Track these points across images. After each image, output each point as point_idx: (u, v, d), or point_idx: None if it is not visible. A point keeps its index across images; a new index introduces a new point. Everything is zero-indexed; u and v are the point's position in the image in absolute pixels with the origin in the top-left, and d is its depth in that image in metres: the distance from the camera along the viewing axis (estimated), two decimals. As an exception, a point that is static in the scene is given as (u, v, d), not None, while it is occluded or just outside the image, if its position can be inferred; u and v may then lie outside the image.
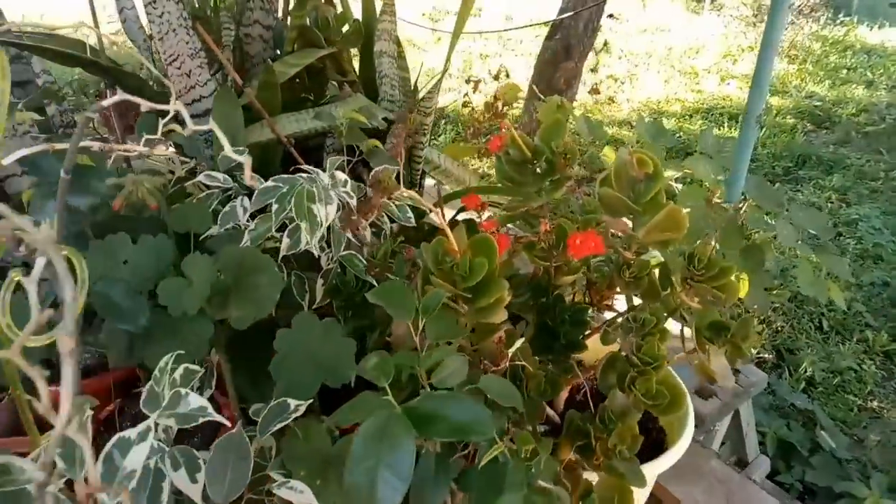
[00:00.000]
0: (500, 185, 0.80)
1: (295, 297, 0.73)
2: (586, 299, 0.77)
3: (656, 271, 0.72)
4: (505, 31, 4.71)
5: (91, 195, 0.64)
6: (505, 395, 0.53)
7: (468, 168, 1.22)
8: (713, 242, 0.66)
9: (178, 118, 1.03)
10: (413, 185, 1.25)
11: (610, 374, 0.61)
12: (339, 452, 0.52)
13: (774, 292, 2.51)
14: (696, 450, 0.94)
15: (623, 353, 0.61)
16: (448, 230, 0.55)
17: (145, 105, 0.41)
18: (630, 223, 0.69)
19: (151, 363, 0.61)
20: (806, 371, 2.31)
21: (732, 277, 0.66)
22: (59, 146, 0.53)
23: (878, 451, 1.91)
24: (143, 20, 1.03)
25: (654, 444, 0.79)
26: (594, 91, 1.14)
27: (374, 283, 0.67)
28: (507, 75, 0.67)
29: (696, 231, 1.44)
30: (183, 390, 0.46)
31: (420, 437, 0.39)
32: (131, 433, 0.41)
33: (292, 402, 0.51)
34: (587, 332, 0.74)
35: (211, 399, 0.79)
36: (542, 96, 1.24)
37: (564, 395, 0.81)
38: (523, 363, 0.58)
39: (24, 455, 0.85)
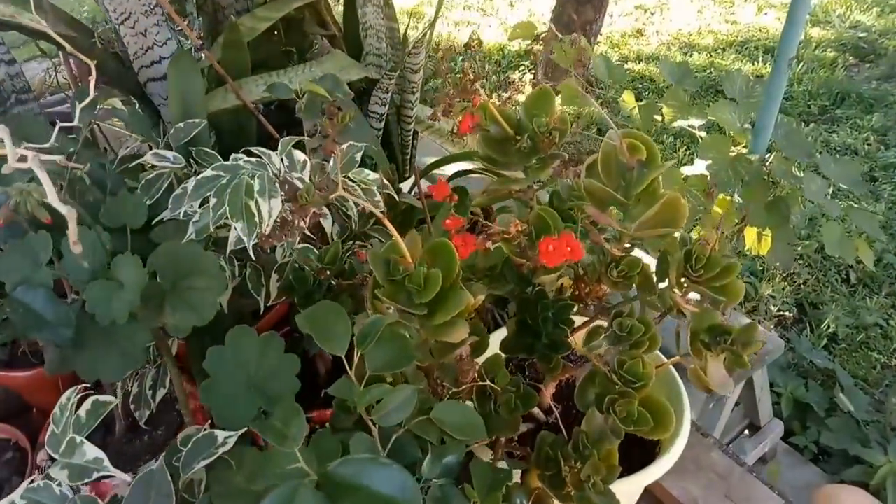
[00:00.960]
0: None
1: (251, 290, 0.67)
2: (574, 291, 0.70)
3: (652, 265, 0.64)
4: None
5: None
6: (463, 425, 0.47)
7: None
8: (715, 237, 0.57)
9: (131, 89, 0.95)
10: (404, 146, 1.16)
11: (589, 391, 0.55)
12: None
13: (800, 248, 2.38)
14: (696, 439, 0.88)
15: (605, 368, 0.54)
16: (397, 235, 0.47)
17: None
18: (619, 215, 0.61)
19: (84, 374, 0.57)
20: (829, 327, 2.22)
21: (735, 277, 0.58)
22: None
23: (899, 414, 1.84)
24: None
25: (648, 444, 0.73)
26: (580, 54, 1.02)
27: (331, 283, 0.60)
28: (480, 43, 0.57)
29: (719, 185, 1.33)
30: (78, 438, 0.41)
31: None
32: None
33: (220, 434, 0.46)
34: (577, 326, 0.67)
35: (170, 397, 0.76)
36: (562, 33, 1.12)
37: (550, 390, 0.74)
38: (489, 384, 0.52)
39: (7, 442, 0.83)
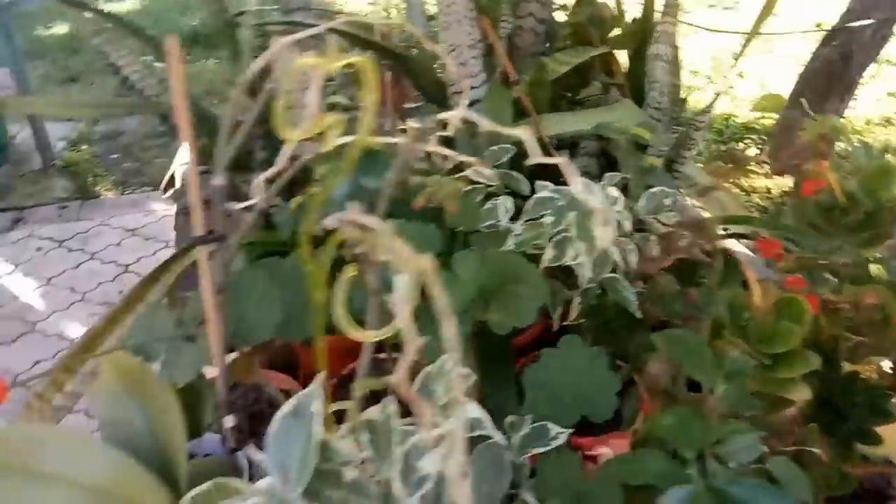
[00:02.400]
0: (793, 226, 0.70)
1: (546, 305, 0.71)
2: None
3: None
4: (775, 34, 4.20)
5: (378, 176, 0.68)
6: (795, 483, 0.46)
7: (732, 193, 1.10)
8: None
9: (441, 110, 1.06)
10: (663, 199, 1.17)
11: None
12: (590, 490, 0.48)
13: None
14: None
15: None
16: (756, 283, 0.48)
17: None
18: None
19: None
20: None
21: None
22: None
23: None
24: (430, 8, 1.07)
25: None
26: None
27: (639, 315, 0.62)
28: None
29: None
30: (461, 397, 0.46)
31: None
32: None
33: (553, 429, 0.49)
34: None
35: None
36: (811, 111, 1.06)
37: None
38: (813, 449, 0.50)
39: (286, 392, 0.93)
